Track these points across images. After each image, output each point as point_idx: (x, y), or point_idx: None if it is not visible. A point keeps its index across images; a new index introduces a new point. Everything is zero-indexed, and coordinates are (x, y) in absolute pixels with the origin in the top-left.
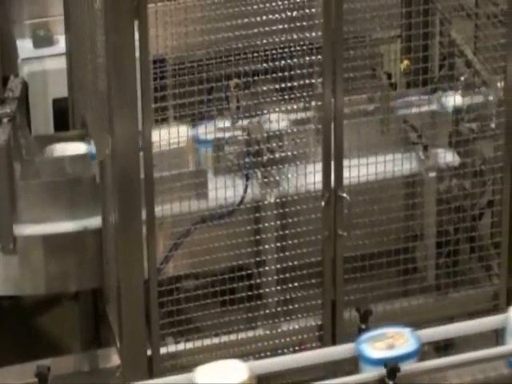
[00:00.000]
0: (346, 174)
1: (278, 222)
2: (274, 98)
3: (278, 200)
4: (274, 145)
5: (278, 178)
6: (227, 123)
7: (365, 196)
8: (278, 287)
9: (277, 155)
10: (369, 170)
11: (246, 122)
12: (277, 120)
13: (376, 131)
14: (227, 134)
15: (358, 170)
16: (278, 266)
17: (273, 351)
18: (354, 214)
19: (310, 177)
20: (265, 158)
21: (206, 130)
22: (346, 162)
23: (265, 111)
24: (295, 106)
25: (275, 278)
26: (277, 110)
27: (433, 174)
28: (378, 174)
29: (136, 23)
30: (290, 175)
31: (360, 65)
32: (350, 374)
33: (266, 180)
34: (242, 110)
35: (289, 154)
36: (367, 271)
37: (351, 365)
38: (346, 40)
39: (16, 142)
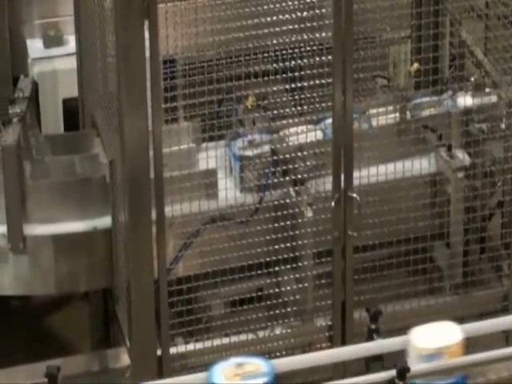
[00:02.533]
0: (356, 174)
1: (288, 223)
2: (291, 121)
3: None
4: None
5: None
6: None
7: (376, 196)
8: (288, 287)
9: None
10: (382, 170)
11: (267, 137)
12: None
13: (392, 133)
14: (249, 153)
15: (368, 170)
16: (288, 266)
17: (283, 352)
18: (364, 215)
19: (321, 178)
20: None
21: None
22: (360, 165)
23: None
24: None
25: (285, 278)
26: (295, 122)
27: (461, 174)
28: (391, 175)
29: (146, 23)
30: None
31: (370, 65)
32: (358, 375)
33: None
34: (259, 129)
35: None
36: (377, 272)
37: (360, 365)
38: (356, 41)
39: (26, 142)
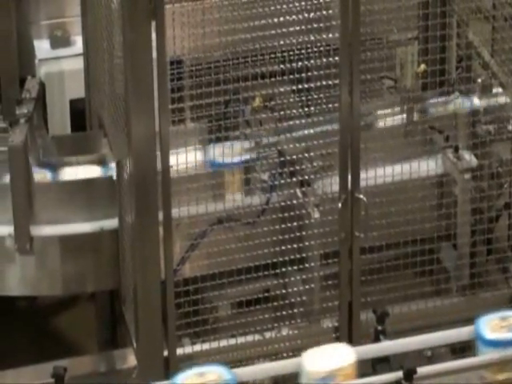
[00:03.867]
0: (362, 175)
1: (295, 224)
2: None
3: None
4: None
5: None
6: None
7: (383, 197)
8: (295, 289)
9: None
10: (388, 171)
11: (274, 139)
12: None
13: (399, 134)
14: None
15: (375, 171)
16: (295, 267)
17: (289, 353)
18: (370, 216)
19: (328, 179)
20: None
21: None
22: (367, 167)
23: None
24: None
25: (292, 279)
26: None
27: (468, 176)
28: (398, 176)
29: (153, 24)
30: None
31: (377, 67)
32: (364, 376)
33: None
34: (266, 131)
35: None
36: (384, 273)
37: (367, 366)
38: (363, 42)
39: (33, 143)
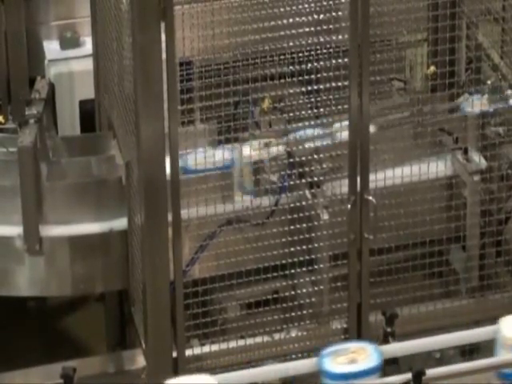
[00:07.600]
0: (372, 176)
1: (304, 225)
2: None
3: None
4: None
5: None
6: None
7: (392, 199)
8: (304, 290)
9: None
10: (398, 173)
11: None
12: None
13: (408, 136)
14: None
15: (385, 172)
16: (304, 268)
17: (298, 354)
18: (380, 217)
19: (337, 180)
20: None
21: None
22: (376, 168)
23: (299, 127)
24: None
25: (301, 280)
26: (310, 124)
27: (477, 178)
28: (407, 178)
29: (162, 25)
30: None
31: (387, 68)
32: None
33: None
34: (275, 132)
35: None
36: (393, 274)
37: None
38: (372, 43)
39: (42, 143)
